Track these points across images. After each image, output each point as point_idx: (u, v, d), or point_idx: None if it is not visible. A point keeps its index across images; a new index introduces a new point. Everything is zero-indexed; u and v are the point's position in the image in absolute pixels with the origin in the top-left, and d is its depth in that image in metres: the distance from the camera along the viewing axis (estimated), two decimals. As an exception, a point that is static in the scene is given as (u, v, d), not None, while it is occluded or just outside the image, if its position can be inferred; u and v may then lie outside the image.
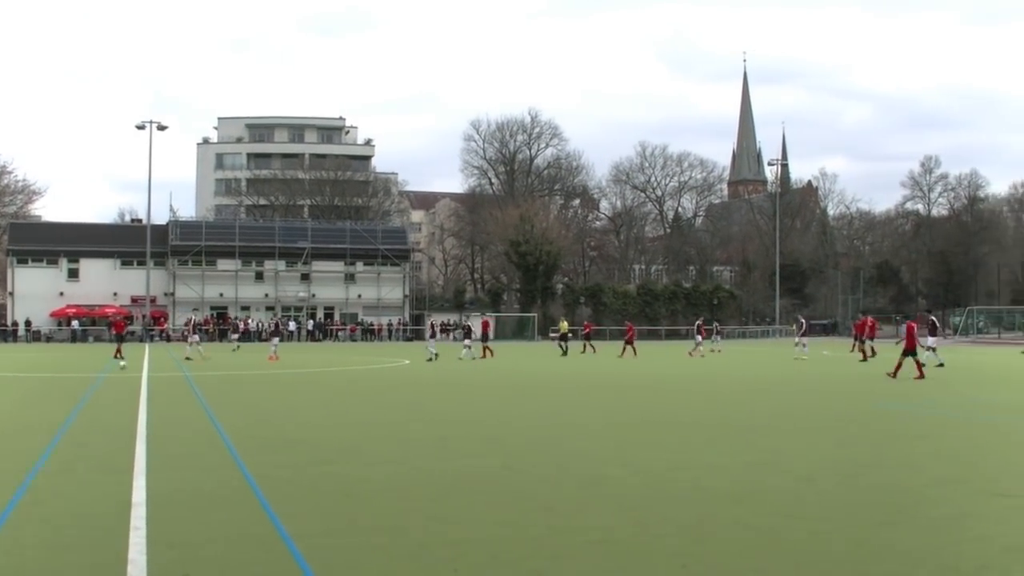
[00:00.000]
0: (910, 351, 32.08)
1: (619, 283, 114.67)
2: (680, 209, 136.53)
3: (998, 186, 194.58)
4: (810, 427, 18.15)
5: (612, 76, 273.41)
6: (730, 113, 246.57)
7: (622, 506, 10.36)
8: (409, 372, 37.61)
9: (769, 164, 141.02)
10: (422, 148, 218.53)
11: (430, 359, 45.55)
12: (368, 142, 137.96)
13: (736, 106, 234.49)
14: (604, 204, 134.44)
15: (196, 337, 51.27)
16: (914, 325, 33.51)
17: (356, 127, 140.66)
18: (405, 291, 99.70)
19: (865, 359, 44.77)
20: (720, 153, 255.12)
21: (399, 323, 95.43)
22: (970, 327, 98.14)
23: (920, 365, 32.17)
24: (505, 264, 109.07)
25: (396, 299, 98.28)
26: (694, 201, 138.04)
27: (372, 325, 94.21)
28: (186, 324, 58.63)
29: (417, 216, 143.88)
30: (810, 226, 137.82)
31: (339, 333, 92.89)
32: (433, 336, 50.63)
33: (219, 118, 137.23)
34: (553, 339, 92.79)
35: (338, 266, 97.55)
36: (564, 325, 57.96)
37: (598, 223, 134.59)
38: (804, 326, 52.58)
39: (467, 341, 49.80)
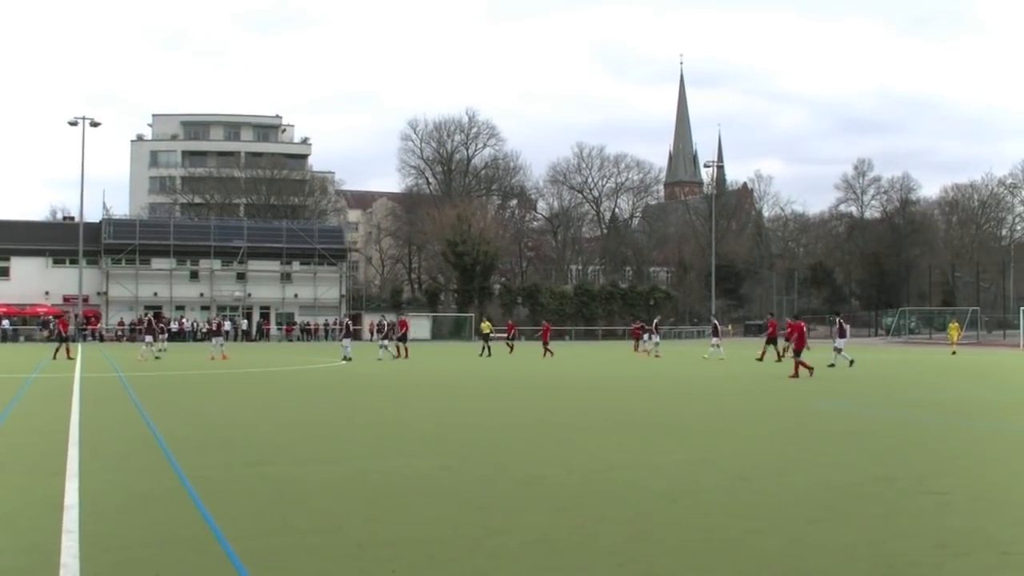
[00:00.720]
0: (798, 351, 33.64)
1: (556, 283, 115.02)
2: (617, 210, 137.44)
3: (929, 189, 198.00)
4: (745, 426, 18.30)
5: (549, 77, 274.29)
6: (667, 115, 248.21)
7: (559, 506, 10.38)
8: (345, 372, 37.45)
9: (705, 166, 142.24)
10: (359, 147, 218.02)
11: (346, 358, 45.52)
12: (305, 140, 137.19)
13: (673, 108, 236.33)
14: (541, 205, 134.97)
15: (149, 338, 50.97)
16: (802, 325, 35.06)
17: (293, 125, 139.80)
18: (342, 291, 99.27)
19: (761, 359, 45.10)
20: (657, 155, 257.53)
21: (336, 323, 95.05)
22: (902, 327, 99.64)
23: (804, 366, 33.22)
24: (442, 264, 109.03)
25: (333, 299, 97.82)
26: (631, 202, 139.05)
27: (309, 325, 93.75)
28: (139, 323, 58.14)
29: (354, 215, 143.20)
30: (745, 227, 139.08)
31: (274, 333, 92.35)
32: (348, 335, 50.36)
33: (154, 115, 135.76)
34: (499, 339, 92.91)
35: (274, 265, 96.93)
36: (486, 325, 57.71)
37: (535, 223, 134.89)
38: (718, 327, 53.31)
39: (383, 341, 49.59)
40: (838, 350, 40.23)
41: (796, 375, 32.87)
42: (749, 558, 8.24)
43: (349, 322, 55.50)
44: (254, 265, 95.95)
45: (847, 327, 43.88)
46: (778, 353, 45.02)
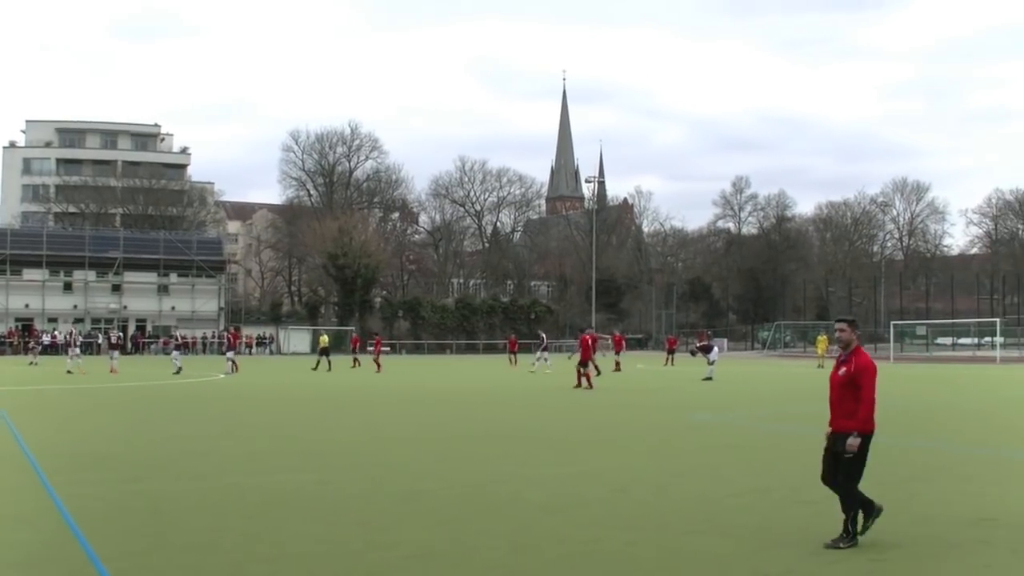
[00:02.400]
0: (585, 362, 35.08)
1: (437, 297, 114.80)
2: (499, 224, 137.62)
3: (804, 206, 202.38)
4: (624, 439, 18.48)
5: (430, 91, 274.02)
6: (549, 130, 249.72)
7: (439, 520, 10.36)
8: (223, 386, 36.92)
9: (586, 181, 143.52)
10: (239, 158, 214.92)
11: (176, 372, 45.04)
12: (184, 150, 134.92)
13: (555, 124, 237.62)
14: (423, 218, 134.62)
15: (76, 350, 49.96)
16: (588, 338, 36.74)
17: (172, 134, 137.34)
18: (221, 303, 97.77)
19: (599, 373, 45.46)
20: (539, 169, 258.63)
21: (214, 336, 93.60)
22: (778, 341, 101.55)
23: (588, 376, 34.73)
24: (323, 277, 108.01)
25: (211, 311, 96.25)
26: (512, 216, 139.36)
27: (186, 338, 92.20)
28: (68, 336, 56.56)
29: (234, 227, 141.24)
30: (626, 242, 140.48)
31: (151, 346, 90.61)
32: (178, 348, 49.57)
33: (27, 121, 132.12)
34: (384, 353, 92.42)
35: (151, 277, 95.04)
36: (324, 339, 56.71)
37: (417, 237, 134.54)
38: (544, 341, 53.87)
39: (229, 354, 48.59)
40: (711, 363, 41.35)
41: (579, 385, 34.28)
42: (628, 570, 8.32)
43: (230, 335, 54.70)
44: (130, 277, 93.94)
45: (709, 343, 45.38)
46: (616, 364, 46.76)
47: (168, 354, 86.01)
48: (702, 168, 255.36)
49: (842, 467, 9.18)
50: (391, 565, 8.43)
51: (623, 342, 54.31)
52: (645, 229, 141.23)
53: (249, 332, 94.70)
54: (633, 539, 9.48)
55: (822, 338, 62.28)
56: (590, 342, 36.68)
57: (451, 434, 19.42)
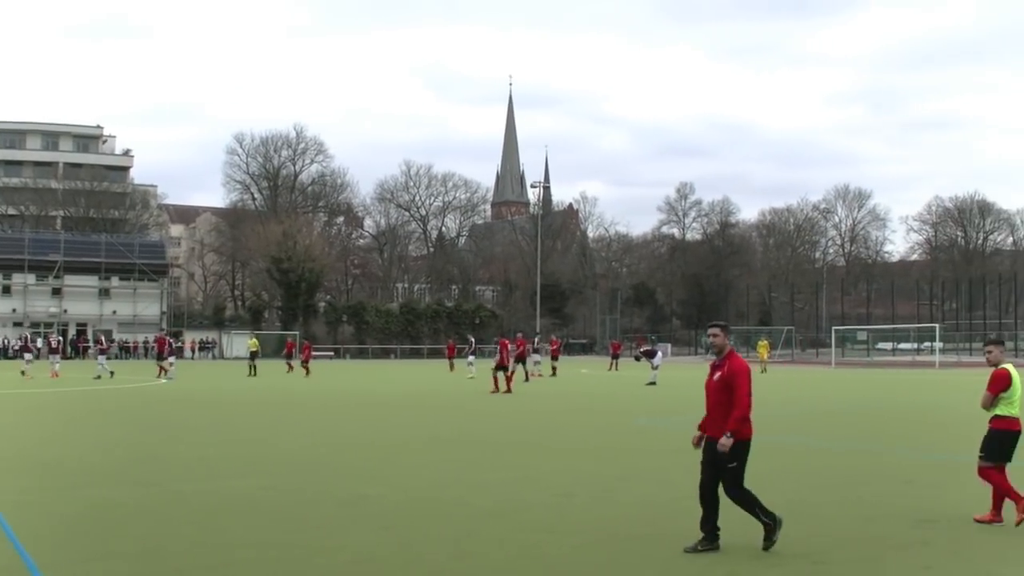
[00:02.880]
0: (502, 367, 35.51)
1: (382, 301, 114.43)
2: (444, 228, 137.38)
3: (748, 212, 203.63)
4: (569, 443, 18.54)
5: (376, 95, 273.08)
6: (495, 135, 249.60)
7: (384, 525, 10.36)
8: (166, 391, 36.60)
9: (532, 186, 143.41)
10: (183, 161, 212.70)
11: (98, 376, 44.64)
12: (127, 152, 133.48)
13: (501, 129, 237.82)
14: (368, 222, 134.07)
15: (29, 355, 49.69)
16: (506, 343, 37.29)
17: (114, 136, 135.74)
18: (163, 307, 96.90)
19: (527, 378, 44.66)
20: (484, 174, 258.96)
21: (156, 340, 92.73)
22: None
23: (508, 379, 35.19)
24: (267, 281, 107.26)
25: (153, 315, 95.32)
26: (458, 221, 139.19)
27: (128, 343, 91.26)
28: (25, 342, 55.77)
29: (176, 230, 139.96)
30: (571, 248, 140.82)
31: (89, 350, 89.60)
32: (103, 352, 49.23)
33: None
34: (316, 357, 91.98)
35: (92, 280, 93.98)
36: (253, 343, 55.97)
37: (362, 241, 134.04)
38: (472, 345, 53.77)
39: (171, 359, 47.98)
40: (654, 368, 41.65)
41: (496, 390, 34.59)
42: (573, 574, 8.37)
43: (171, 340, 54.15)
44: (71, 280, 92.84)
45: (653, 348, 45.86)
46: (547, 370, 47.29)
47: (108, 359, 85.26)
48: (647, 174, 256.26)
49: (723, 475, 9.16)
50: (336, 570, 8.42)
51: (559, 347, 54.76)
52: (590, 234, 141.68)
53: (192, 336, 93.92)
54: (578, 543, 9.53)
55: (764, 343, 62.87)
56: (509, 347, 37.10)
57: (395, 439, 19.38)
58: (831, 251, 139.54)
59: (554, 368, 50.55)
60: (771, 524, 9.14)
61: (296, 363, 56.50)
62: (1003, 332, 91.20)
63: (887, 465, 15.81)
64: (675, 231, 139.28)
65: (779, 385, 42.67)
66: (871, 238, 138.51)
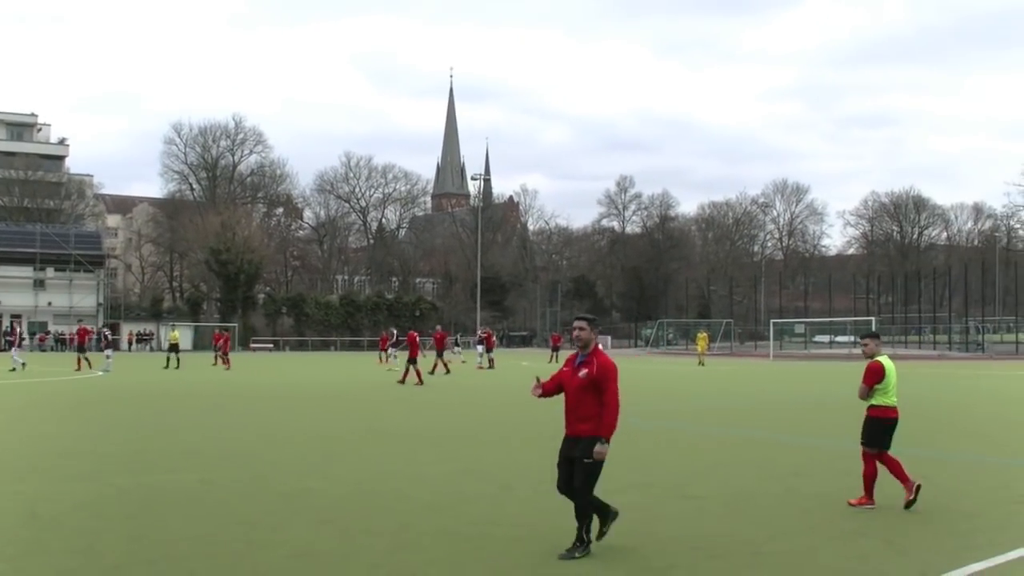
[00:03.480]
0: (413, 359, 36.14)
1: (322, 293, 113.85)
2: (384, 220, 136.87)
3: (687, 206, 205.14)
4: (508, 436, 18.56)
5: (315, 86, 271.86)
6: (436, 128, 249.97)
7: (323, 518, 10.31)
8: (102, 384, 36.18)
9: (472, 179, 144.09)
10: (120, 150, 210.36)
11: (13, 369, 44.06)
12: (62, 141, 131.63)
13: (442, 121, 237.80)
14: (308, 213, 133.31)
15: (16, 350, 48.40)
16: (415, 335, 38.23)
17: (49, 125, 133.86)
18: (99, 299, 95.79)
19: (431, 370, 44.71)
20: (425, 166, 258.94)
21: (94, 332, 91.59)
22: (661, 339, 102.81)
23: (419, 372, 35.88)
24: (205, 272, 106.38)
25: (89, 307, 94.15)
26: (398, 213, 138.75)
27: (63, 335, 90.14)
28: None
29: (113, 221, 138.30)
30: (511, 240, 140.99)
31: (23, 342, 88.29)
32: (18, 345, 48.55)
33: None
34: (256, 349, 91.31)
35: (27, 271, 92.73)
36: (175, 335, 54.68)
37: (302, 232, 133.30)
38: (395, 337, 54.06)
39: (108, 351, 47.46)
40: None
41: (404, 381, 35.29)
42: (514, 566, 8.38)
43: (107, 332, 53.50)
44: (4, 271, 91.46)
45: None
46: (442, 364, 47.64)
47: (43, 351, 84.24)
48: (587, 167, 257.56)
49: (579, 473, 8.76)
50: (275, 565, 8.37)
51: (493, 339, 55.07)
52: (530, 227, 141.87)
53: (130, 328, 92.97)
54: (519, 535, 9.55)
55: (703, 335, 63.25)
56: (417, 339, 37.93)
57: (333, 432, 19.30)
58: (769, 245, 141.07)
59: (491, 360, 50.73)
60: (585, 542, 8.75)
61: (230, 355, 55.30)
62: (937, 325, 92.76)
63: (824, 456, 15.98)
64: (615, 224, 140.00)
65: (718, 378, 43.02)
66: (809, 232, 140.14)
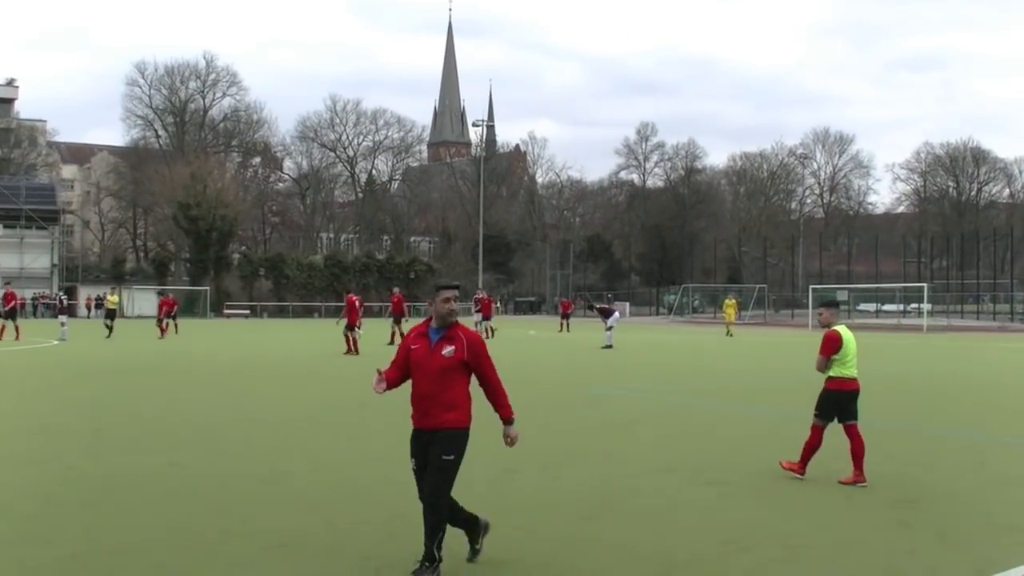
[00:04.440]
0: (352, 326, 36.62)
1: (304, 253, 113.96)
2: (374, 172, 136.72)
3: (716, 157, 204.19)
4: (518, 414, 18.55)
5: (296, 22, 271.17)
6: (432, 68, 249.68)
7: (306, 505, 10.37)
8: (58, 354, 36.29)
9: (474, 125, 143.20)
10: (76, 92, 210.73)
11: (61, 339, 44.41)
12: (11, 82, 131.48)
13: (439, 61, 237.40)
14: (288, 164, 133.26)
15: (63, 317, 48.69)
16: (354, 299, 38.25)
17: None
18: (54, 259, 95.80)
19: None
20: (420, 111, 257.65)
21: (48, 297, 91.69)
22: (685, 306, 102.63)
23: (355, 341, 36.14)
24: (173, 230, 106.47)
25: (43, 268, 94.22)
26: (390, 163, 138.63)
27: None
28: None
29: (69, 172, 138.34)
30: (517, 194, 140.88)
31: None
32: (63, 312, 48.53)
33: None
34: (230, 315, 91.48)
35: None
36: (113, 300, 54.15)
37: (281, 185, 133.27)
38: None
39: (63, 317, 47.48)
40: (608, 329, 41.88)
41: (349, 351, 35.67)
42: (519, 557, 8.44)
43: (63, 297, 53.49)
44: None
45: (609, 307, 45.71)
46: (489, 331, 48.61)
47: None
48: (602, 113, 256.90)
49: (437, 473, 8.01)
50: (252, 556, 8.42)
51: (491, 305, 53.91)
52: (539, 180, 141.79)
53: (88, 292, 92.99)
54: (523, 524, 9.60)
55: (731, 302, 62.58)
56: (357, 304, 37.92)
57: (316, 408, 19.37)
58: (809, 201, 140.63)
59: (488, 329, 50.23)
60: (436, 560, 7.93)
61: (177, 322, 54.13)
62: (998, 293, 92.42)
63: (869, 439, 16.01)
64: (635, 177, 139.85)
65: (748, 350, 43.00)
66: (853, 187, 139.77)
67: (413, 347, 8.23)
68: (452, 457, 8.04)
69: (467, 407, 8.25)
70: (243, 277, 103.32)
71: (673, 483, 11.85)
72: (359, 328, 37.43)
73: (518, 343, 46.75)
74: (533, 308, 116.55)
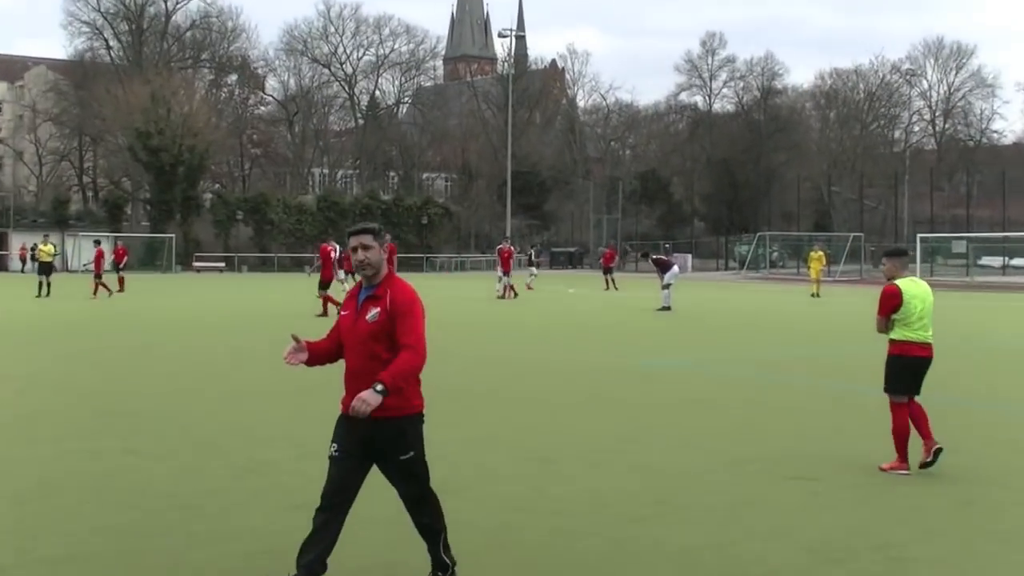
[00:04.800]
0: (325, 283, 37.63)
1: (292, 193, 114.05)
2: (378, 93, 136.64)
3: (799, 75, 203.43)
4: (547, 392, 18.57)
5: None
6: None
7: (293, 501, 10.32)
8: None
9: (500, 36, 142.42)
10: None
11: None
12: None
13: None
14: (272, 83, 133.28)
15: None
16: (330, 249, 39.15)
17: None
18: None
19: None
20: (434, 19, 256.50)
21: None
22: (760, 258, 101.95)
23: (329, 300, 36.39)
24: (129, 164, 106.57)
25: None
26: (398, 83, 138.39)
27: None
28: None
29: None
30: (553, 121, 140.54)
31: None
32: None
33: None
34: (201, 269, 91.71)
35: None
36: (47, 250, 53.87)
37: (264, 109, 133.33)
38: (337, 251, 53.20)
39: None
40: (666, 286, 41.51)
41: (324, 314, 35.90)
42: (558, 566, 8.41)
43: None
44: None
45: (668, 259, 45.49)
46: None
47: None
48: (658, 19, 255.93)
49: (407, 479, 7.81)
50: (227, 566, 8.43)
51: (511, 259, 52.76)
52: (580, 103, 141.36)
53: (22, 240, 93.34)
54: (563, 526, 9.58)
55: (818, 255, 61.85)
56: (334, 255, 38.73)
57: (305, 382, 19.34)
58: (916, 130, 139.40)
59: (509, 287, 50.59)
60: (448, 567, 7.95)
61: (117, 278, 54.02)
62: None
63: (984, 423, 15.94)
64: (698, 100, 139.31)
65: (839, 315, 42.83)
66: (974, 112, 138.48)
67: (343, 313, 8.02)
68: (412, 454, 7.72)
69: (414, 385, 7.78)
70: (217, 222, 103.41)
71: (745, 477, 11.80)
72: (343, 284, 37.66)
73: (553, 303, 46.73)
74: (573, 261, 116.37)
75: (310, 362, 8.25)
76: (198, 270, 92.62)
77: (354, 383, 7.63)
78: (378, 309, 7.59)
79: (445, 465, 12.04)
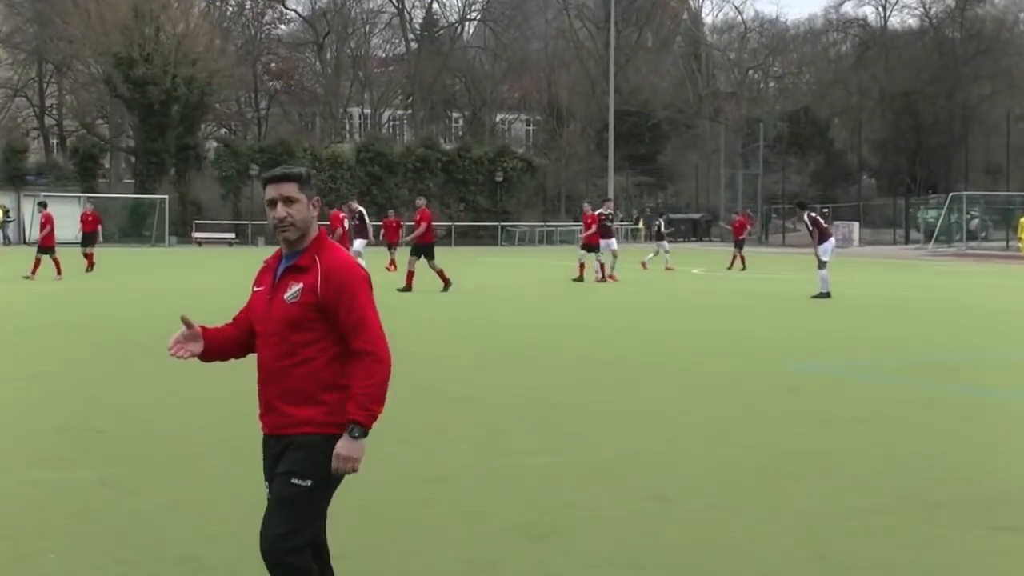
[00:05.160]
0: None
1: (324, 141, 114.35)
2: (436, 6, 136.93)
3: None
4: (661, 405, 18.54)
5: None
6: None
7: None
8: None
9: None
10: None
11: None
12: None
13: None
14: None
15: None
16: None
17: None
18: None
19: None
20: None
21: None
22: (954, 228, 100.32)
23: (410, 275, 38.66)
24: (106, 101, 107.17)
25: None
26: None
27: None
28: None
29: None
30: (670, 44, 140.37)
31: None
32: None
33: None
34: (203, 241, 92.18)
35: None
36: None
37: (284, 28, 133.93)
38: (364, 218, 51.57)
39: None
40: (822, 264, 40.57)
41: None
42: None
43: None
44: None
45: (827, 226, 44.65)
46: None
47: None
48: None
49: (278, 509, 7.31)
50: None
51: (596, 225, 50.67)
52: (707, 19, 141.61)
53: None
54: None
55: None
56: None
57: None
58: None
59: (600, 268, 50.00)
60: None
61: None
62: None
63: None
64: (868, 13, 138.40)
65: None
66: None
67: (256, 289, 7.60)
68: (308, 483, 7.17)
69: (340, 393, 7.20)
70: (224, 179, 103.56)
71: (935, 523, 11.67)
72: (360, 257, 38.07)
73: (667, 287, 46.70)
74: (698, 231, 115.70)
75: (206, 356, 7.75)
76: (199, 242, 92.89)
77: (265, 388, 7.35)
78: (301, 285, 7.17)
79: (517, 498, 12.13)
